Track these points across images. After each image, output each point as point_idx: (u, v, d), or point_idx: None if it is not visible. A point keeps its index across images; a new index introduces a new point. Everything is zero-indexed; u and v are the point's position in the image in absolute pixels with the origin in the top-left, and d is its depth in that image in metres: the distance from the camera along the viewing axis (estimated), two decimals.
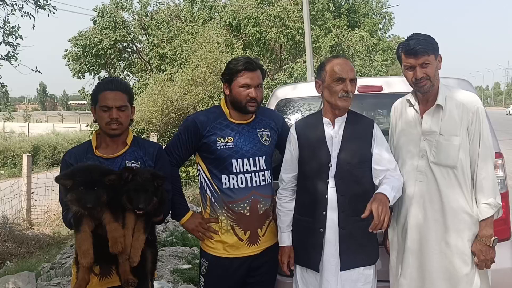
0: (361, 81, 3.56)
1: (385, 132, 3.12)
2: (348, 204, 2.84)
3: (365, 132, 2.92)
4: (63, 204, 2.64)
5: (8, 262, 7.77)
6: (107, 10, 21.02)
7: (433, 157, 2.81)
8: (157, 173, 2.60)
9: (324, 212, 2.85)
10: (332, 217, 2.85)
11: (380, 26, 28.32)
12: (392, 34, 29.91)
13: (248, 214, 2.99)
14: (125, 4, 21.40)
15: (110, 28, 20.76)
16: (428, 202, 2.82)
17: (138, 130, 15.82)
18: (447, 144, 2.77)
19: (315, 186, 2.89)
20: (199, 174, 3.14)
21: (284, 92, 3.80)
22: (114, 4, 21.22)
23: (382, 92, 3.53)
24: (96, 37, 20.85)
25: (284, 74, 17.98)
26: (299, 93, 3.74)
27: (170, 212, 3.03)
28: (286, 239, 3.01)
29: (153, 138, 13.05)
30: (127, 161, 2.73)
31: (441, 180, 2.78)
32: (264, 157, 3.05)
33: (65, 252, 7.39)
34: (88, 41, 20.85)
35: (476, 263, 2.75)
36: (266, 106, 3.69)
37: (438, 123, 2.81)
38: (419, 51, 2.74)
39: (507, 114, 61.18)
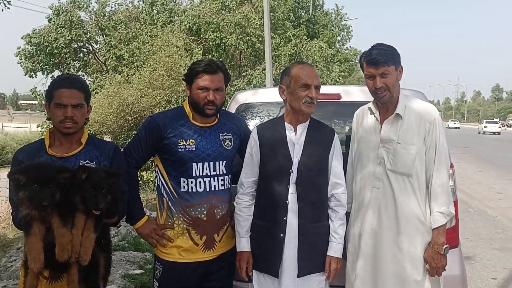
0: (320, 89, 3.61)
1: (341, 142, 3.17)
2: (308, 211, 2.86)
3: (326, 140, 2.96)
4: (13, 203, 2.53)
5: None
6: (63, 8, 20.44)
7: (390, 165, 2.87)
8: (112, 171, 2.55)
9: (284, 218, 2.86)
10: (292, 223, 2.86)
11: (339, 38, 28.94)
12: (350, 46, 30.63)
13: (205, 218, 2.96)
14: (82, 3, 20.90)
15: (66, 27, 20.20)
16: (383, 209, 2.88)
17: (91, 131, 15.47)
18: (404, 152, 2.84)
19: (276, 191, 2.89)
20: (156, 176, 3.07)
21: (244, 96, 3.79)
22: (71, 3, 20.67)
23: (341, 100, 3.58)
24: (50, 35, 20.25)
25: (243, 81, 18.01)
26: (259, 98, 3.74)
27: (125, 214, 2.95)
28: (245, 244, 2.99)
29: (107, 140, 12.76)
30: (81, 161, 2.65)
31: (397, 188, 2.85)
32: (225, 161, 3.02)
33: (11, 256, 7.09)
34: (42, 39, 20.21)
35: (427, 270, 2.82)
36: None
37: (396, 131, 2.88)
38: (379, 61, 2.81)
39: (479, 133, 54.82)
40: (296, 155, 2.90)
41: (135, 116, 13.88)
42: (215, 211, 2.98)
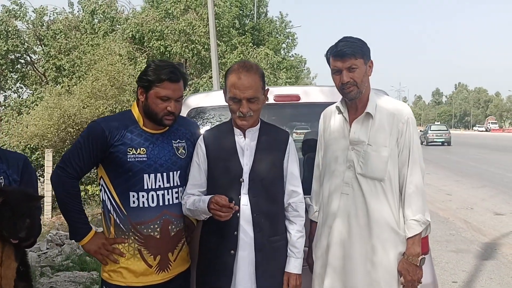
0: (278, 90, 3.41)
1: (299, 148, 2.98)
2: (264, 224, 2.61)
3: (279, 144, 2.71)
4: None
5: None
6: None
7: (360, 169, 2.65)
8: (32, 194, 2.26)
9: (235, 232, 2.59)
10: (245, 237, 2.60)
11: (284, 45, 29.12)
12: (295, 53, 30.88)
13: (158, 236, 2.65)
14: (18, 12, 19.94)
15: (2, 37, 19.21)
16: (354, 217, 2.65)
17: (32, 146, 14.74)
18: (375, 155, 2.62)
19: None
20: (101, 190, 2.73)
21: (196, 100, 3.48)
22: (6, 12, 19.71)
23: (300, 102, 3.36)
24: None
25: (190, 90, 17.69)
26: (212, 101, 3.43)
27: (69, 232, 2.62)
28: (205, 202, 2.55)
29: (49, 154, 12.11)
30: None
31: (368, 194, 2.62)
32: (179, 172, 2.73)
33: None
34: None
35: (402, 283, 2.61)
36: None
37: (367, 132, 2.66)
38: (346, 53, 2.58)
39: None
40: (246, 162, 2.64)
41: (77, 128, 13.28)
42: (169, 227, 2.68)
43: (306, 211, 2.83)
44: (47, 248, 7.21)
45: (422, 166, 2.66)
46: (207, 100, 3.47)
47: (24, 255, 2.36)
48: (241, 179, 2.61)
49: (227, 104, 2.68)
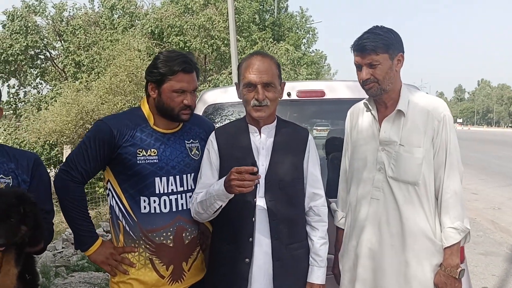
0: (301, 85, 3.18)
1: (322, 146, 2.69)
2: (282, 230, 2.37)
3: (298, 143, 2.47)
4: None
5: None
6: (18, 13, 19.49)
7: (391, 171, 2.40)
8: (24, 196, 2.05)
9: (250, 239, 2.35)
10: (262, 245, 2.36)
11: (304, 40, 28.77)
12: (316, 49, 30.50)
13: (171, 244, 2.43)
14: (38, 8, 20.00)
15: (21, 32, 19.27)
16: (385, 224, 2.40)
17: (50, 142, 14.73)
18: (408, 156, 2.36)
19: (240, 207, 2.37)
20: (108, 195, 2.52)
21: (213, 96, 3.25)
22: (25, 8, 19.77)
23: (324, 98, 3.12)
24: (5, 42, 19.25)
25: (209, 86, 17.52)
26: (230, 97, 3.16)
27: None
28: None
29: (67, 150, 12.06)
30: None
31: (401, 199, 2.37)
32: (192, 174, 2.50)
33: None
34: None
35: None
36: None
37: (398, 131, 2.40)
38: (365, 48, 2.33)
39: None
40: (262, 162, 2.40)
41: None
42: (183, 234, 2.46)
43: (331, 215, 2.60)
44: (63, 247, 7.09)
45: (460, 169, 2.40)
46: (225, 96, 3.22)
47: (32, 261, 2.19)
48: (256, 181, 2.34)
49: None
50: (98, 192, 12.38)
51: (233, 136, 2.47)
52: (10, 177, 2.20)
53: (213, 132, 2.54)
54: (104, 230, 8.14)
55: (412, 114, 2.40)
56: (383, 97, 2.43)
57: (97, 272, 6.26)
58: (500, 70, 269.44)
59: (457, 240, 2.33)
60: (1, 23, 19.98)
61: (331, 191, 2.72)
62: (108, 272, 2.51)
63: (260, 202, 2.36)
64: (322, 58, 30.62)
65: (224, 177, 2.23)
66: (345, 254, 2.57)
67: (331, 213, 2.64)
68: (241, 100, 2.48)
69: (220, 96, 3.25)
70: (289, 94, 3.09)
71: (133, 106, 13.47)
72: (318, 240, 2.44)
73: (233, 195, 2.24)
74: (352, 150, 2.60)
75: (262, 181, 2.36)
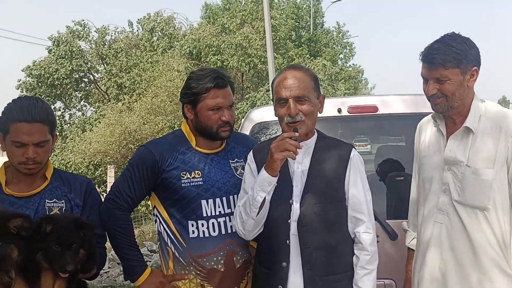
0: (352, 101, 3.10)
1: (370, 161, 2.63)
2: (317, 259, 2.16)
3: (339, 161, 2.23)
4: None
5: None
6: (63, 39, 20.26)
7: (457, 195, 2.17)
8: (82, 221, 2.04)
9: (284, 264, 2.18)
10: (295, 272, 2.18)
11: (341, 56, 28.65)
12: (353, 64, 30.26)
13: (222, 269, 2.35)
14: (82, 33, 20.73)
15: (66, 57, 20.00)
16: (448, 250, 2.20)
17: (95, 162, 15.10)
18: (475, 179, 2.13)
19: (273, 229, 2.22)
20: (156, 221, 2.47)
21: (260, 114, 3.18)
22: (70, 33, 20.51)
23: (378, 113, 2.98)
24: (51, 66, 20.02)
25: (247, 104, 17.62)
26: None
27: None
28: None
29: (111, 170, 12.34)
30: (47, 200, 2.16)
31: (469, 224, 2.15)
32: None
33: None
34: (43, 70, 19.97)
35: None
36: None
37: (465, 151, 2.17)
38: (434, 62, 2.11)
39: None
40: (297, 184, 2.21)
41: (137, 144, 13.48)
42: (234, 258, 2.38)
43: (388, 238, 2.48)
44: (109, 267, 7.19)
45: None
46: (273, 113, 3.19)
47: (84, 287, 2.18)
48: (290, 201, 2.20)
49: None
50: (140, 211, 12.59)
51: (267, 153, 2.21)
52: (63, 201, 2.20)
53: (251, 152, 2.40)
54: (148, 250, 8.22)
55: (482, 131, 2.17)
56: (451, 113, 2.22)
57: None
58: None
59: None
60: (47, 49, 20.76)
61: (392, 211, 2.59)
62: None
63: (293, 227, 2.19)
64: (359, 72, 30.37)
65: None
66: (413, 277, 2.40)
67: (404, 233, 2.51)
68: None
69: (267, 114, 3.14)
70: (339, 110, 2.99)
71: (174, 125, 13.73)
72: (359, 271, 2.20)
73: (276, 182, 2.11)
74: (418, 167, 2.42)
75: (296, 202, 2.20)
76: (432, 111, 2.30)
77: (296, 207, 2.19)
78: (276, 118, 2.88)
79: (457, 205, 2.17)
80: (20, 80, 20.70)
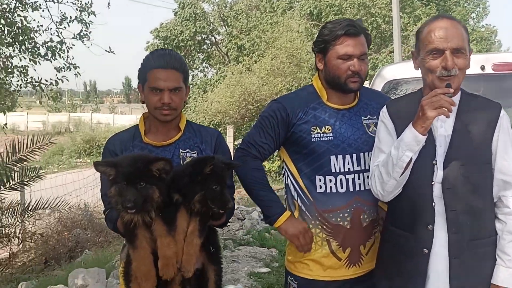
0: (497, 57, 2.83)
1: None
2: (463, 223, 2.05)
3: (486, 121, 2.07)
4: (105, 200, 2.19)
5: (87, 250, 7.63)
6: (188, 1, 21.04)
7: None
8: (229, 161, 2.17)
9: (430, 226, 2.06)
10: (440, 238, 2.07)
11: (473, 15, 26.45)
12: (486, 24, 27.78)
13: (348, 226, 2.32)
14: None
15: (191, 19, 20.79)
16: None
17: (215, 122, 15.66)
18: None
19: (416, 189, 2.11)
20: (284, 174, 2.49)
21: (392, 72, 3.03)
22: None
23: None
24: (176, 28, 20.96)
25: (368, 66, 17.06)
26: (413, 73, 2.72)
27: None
28: None
29: (230, 130, 12.70)
30: (181, 150, 2.26)
31: None
32: (371, 152, 2.32)
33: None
34: (169, 33, 21.01)
35: None
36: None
37: None
38: None
39: None
40: (440, 143, 2.08)
41: (256, 105, 13.74)
42: (361, 216, 2.33)
43: None
44: (230, 222, 7.48)
45: None
46: (407, 71, 2.92)
47: (215, 235, 2.25)
48: (433, 162, 2.08)
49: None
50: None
51: (408, 111, 2.12)
52: (196, 151, 2.28)
53: (384, 109, 2.25)
54: None
55: None
56: None
57: (261, 248, 6.46)
58: None
59: None
60: (173, 11, 21.69)
61: None
62: (297, 247, 2.38)
63: (437, 189, 2.07)
64: (492, 33, 27.90)
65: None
66: None
67: None
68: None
69: (401, 71, 3.00)
70: (482, 68, 2.76)
71: (292, 87, 13.71)
72: (505, 236, 2.07)
73: (424, 141, 2.00)
74: None
75: (440, 165, 2.07)
76: None
77: (440, 168, 2.07)
78: (409, 76, 2.66)
79: None
80: (149, 42, 21.95)
